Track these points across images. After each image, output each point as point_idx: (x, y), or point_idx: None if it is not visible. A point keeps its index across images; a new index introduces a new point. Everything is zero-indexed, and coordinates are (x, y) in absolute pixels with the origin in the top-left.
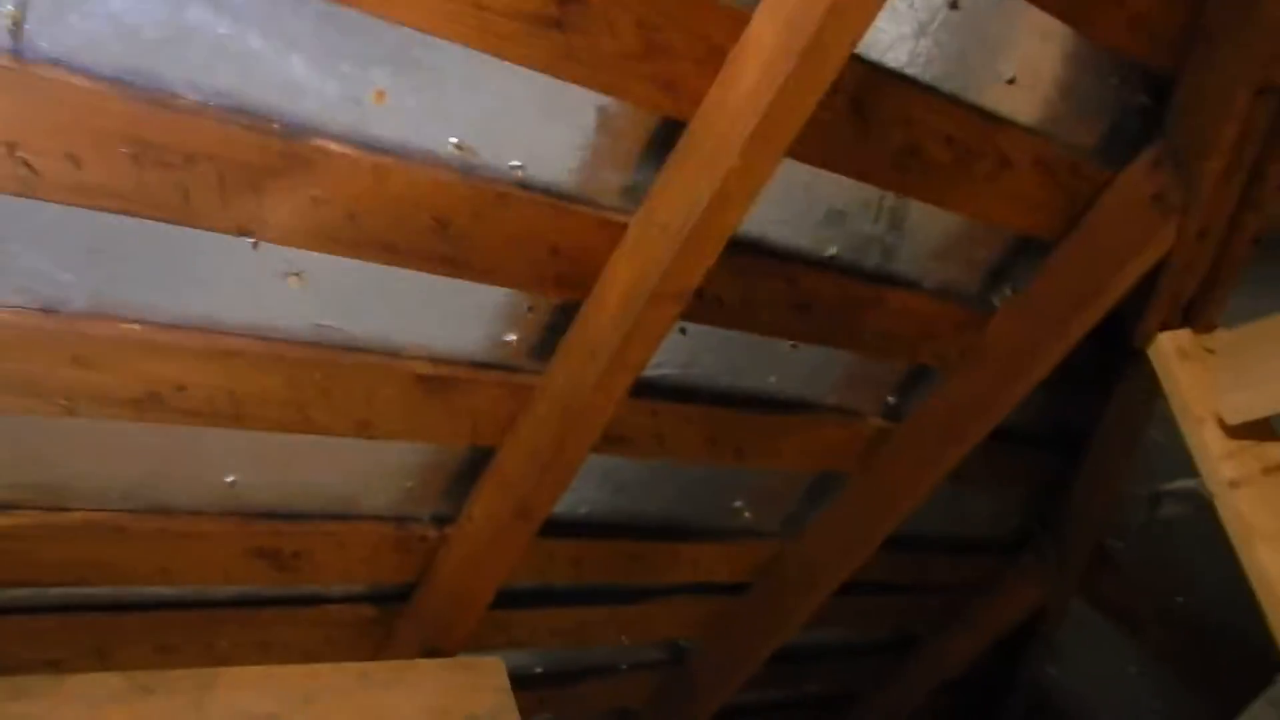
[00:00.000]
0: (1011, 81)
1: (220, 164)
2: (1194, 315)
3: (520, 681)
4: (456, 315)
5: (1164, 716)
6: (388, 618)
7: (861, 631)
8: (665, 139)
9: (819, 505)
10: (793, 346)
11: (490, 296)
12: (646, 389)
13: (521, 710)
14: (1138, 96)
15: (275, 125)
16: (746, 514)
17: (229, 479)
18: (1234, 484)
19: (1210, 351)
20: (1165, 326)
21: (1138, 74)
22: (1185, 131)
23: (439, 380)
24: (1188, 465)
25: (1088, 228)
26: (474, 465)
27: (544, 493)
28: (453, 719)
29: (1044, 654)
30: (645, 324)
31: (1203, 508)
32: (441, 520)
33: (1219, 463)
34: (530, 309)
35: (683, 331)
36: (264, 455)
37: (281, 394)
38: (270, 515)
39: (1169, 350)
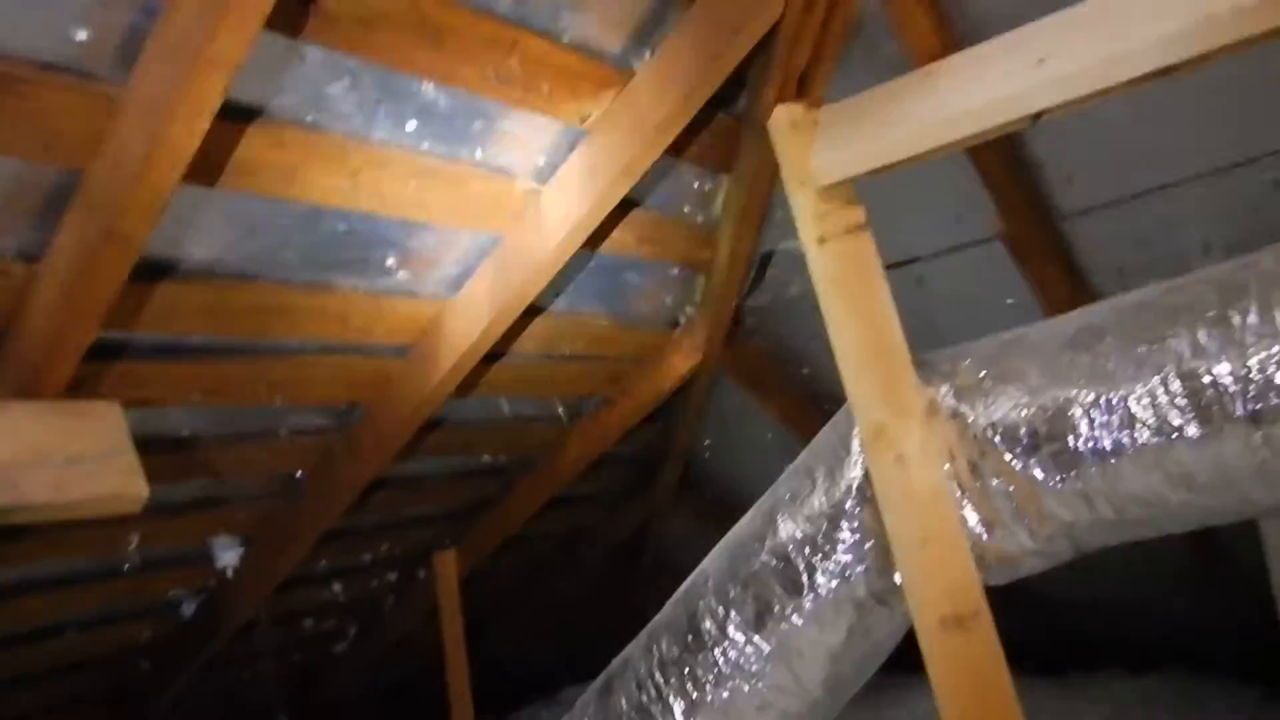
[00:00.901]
0: None
1: None
2: (805, 90)
3: (167, 444)
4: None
5: None
6: None
7: (529, 401)
8: None
9: (476, 265)
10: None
11: None
12: (260, 115)
13: (174, 473)
14: None
15: None
16: (401, 273)
17: None
18: (821, 240)
19: (816, 123)
20: (780, 100)
21: None
22: None
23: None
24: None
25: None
26: (61, 193)
27: (136, 214)
28: (51, 460)
29: (693, 426)
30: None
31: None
32: (29, 257)
33: (811, 222)
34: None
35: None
36: None
37: None
38: None
39: (783, 122)
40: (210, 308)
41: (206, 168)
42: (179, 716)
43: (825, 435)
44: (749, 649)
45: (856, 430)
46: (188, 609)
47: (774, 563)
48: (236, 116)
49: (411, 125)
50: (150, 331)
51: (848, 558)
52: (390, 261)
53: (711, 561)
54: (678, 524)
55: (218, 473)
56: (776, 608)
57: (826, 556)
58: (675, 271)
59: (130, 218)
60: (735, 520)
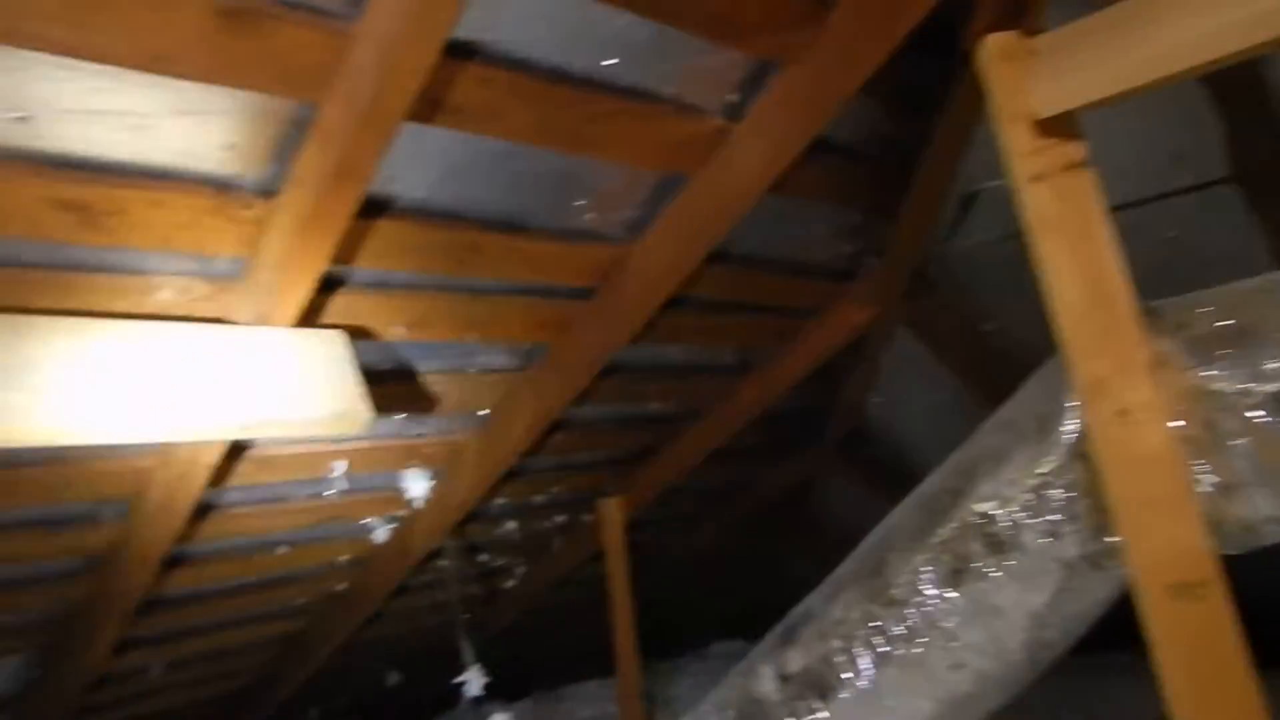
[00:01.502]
0: None
1: None
2: (1020, 18)
3: (372, 377)
4: None
5: None
6: (219, 294)
7: (700, 350)
8: None
9: (660, 208)
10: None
11: None
12: (477, 53)
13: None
14: None
15: None
16: (589, 215)
17: (16, 114)
18: (1035, 179)
19: (1033, 53)
20: (992, 29)
21: None
22: None
23: (241, 14)
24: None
25: None
26: (298, 130)
27: (366, 149)
28: (289, 381)
29: (866, 381)
30: None
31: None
32: (268, 192)
33: (1025, 159)
34: None
35: None
36: (59, 91)
37: (53, 6)
38: (77, 165)
39: (993, 52)
40: (418, 244)
41: (422, 104)
42: (371, 633)
43: (1033, 387)
44: (943, 606)
45: (1070, 383)
46: (380, 535)
47: (973, 519)
48: (452, 53)
49: (608, 61)
50: (367, 266)
51: (1057, 516)
52: (579, 203)
53: (901, 515)
54: (839, 484)
55: (413, 406)
56: (975, 565)
57: (1034, 514)
58: (859, 218)
59: (361, 151)
60: (900, 482)
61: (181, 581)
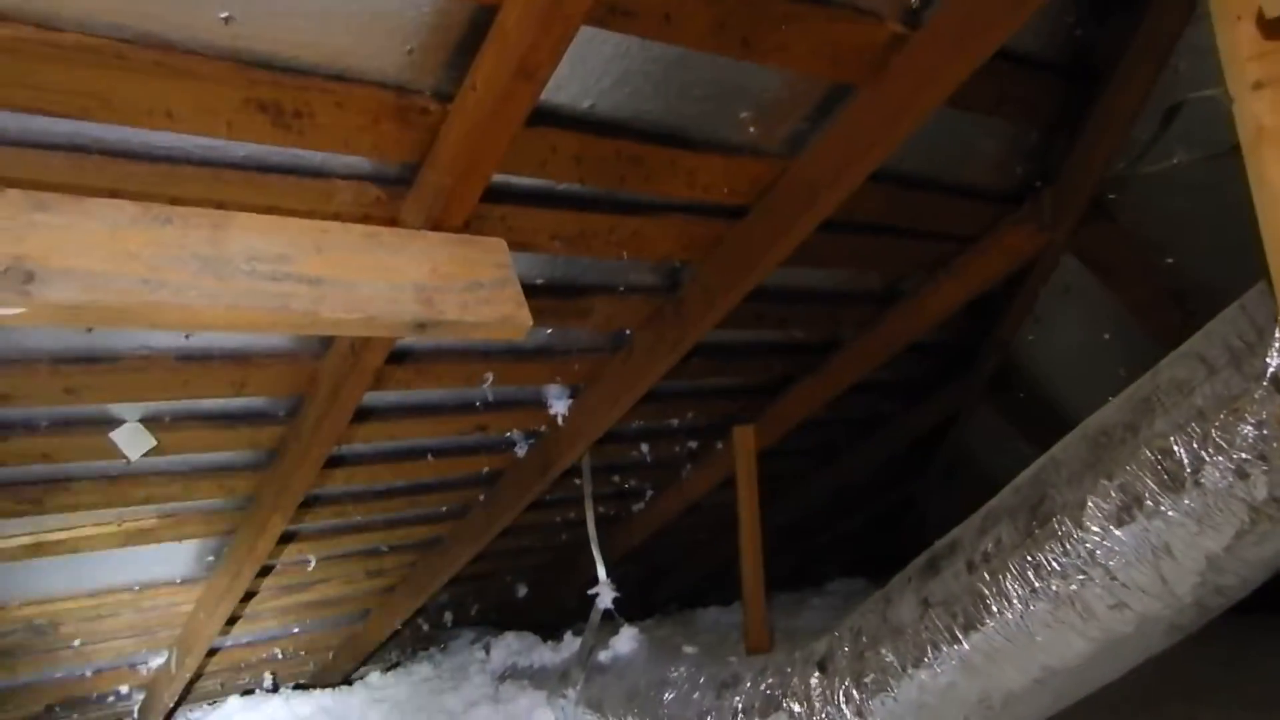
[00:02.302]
0: None
1: None
2: None
3: (525, 290)
4: None
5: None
6: (392, 199)
7: (851, 275)
8: None
9: (825, 124)
10: None
11: None
12: None
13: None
14: None
15: None
16: (752, 128)
17: (223, 15)
18: (1257, 85)
19: None
20: None
21: None
22: None
23: None
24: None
25: None
26: (475, 34)
27: (544, 51)
28: (457, 284)
29: (1021, 315)
30: None
31: (1200, 165)
32: (443, 96)
33: (1246, 64)
34: None
35: None
36: None
37: None
38: (268, 65)
39: None
40: (581, 154)
41: (600, 6)
42: (504, 545)
43: (1228, 319)
44: (1109, 544)
45: (1277, 315)
46: (521, 449)
47: (1148, 454)
48: None
49: None
50: (530, 176)
51: (1246, 455)
52: (744, 114)
53: (1065, 449)
54: (981, 424)
55: (562, 322)
56: (1148, 502)
57: (1220, 451)
58: (1036, 135)
59: (538, 55)
60: (1048, 426)
61: (339, 480)
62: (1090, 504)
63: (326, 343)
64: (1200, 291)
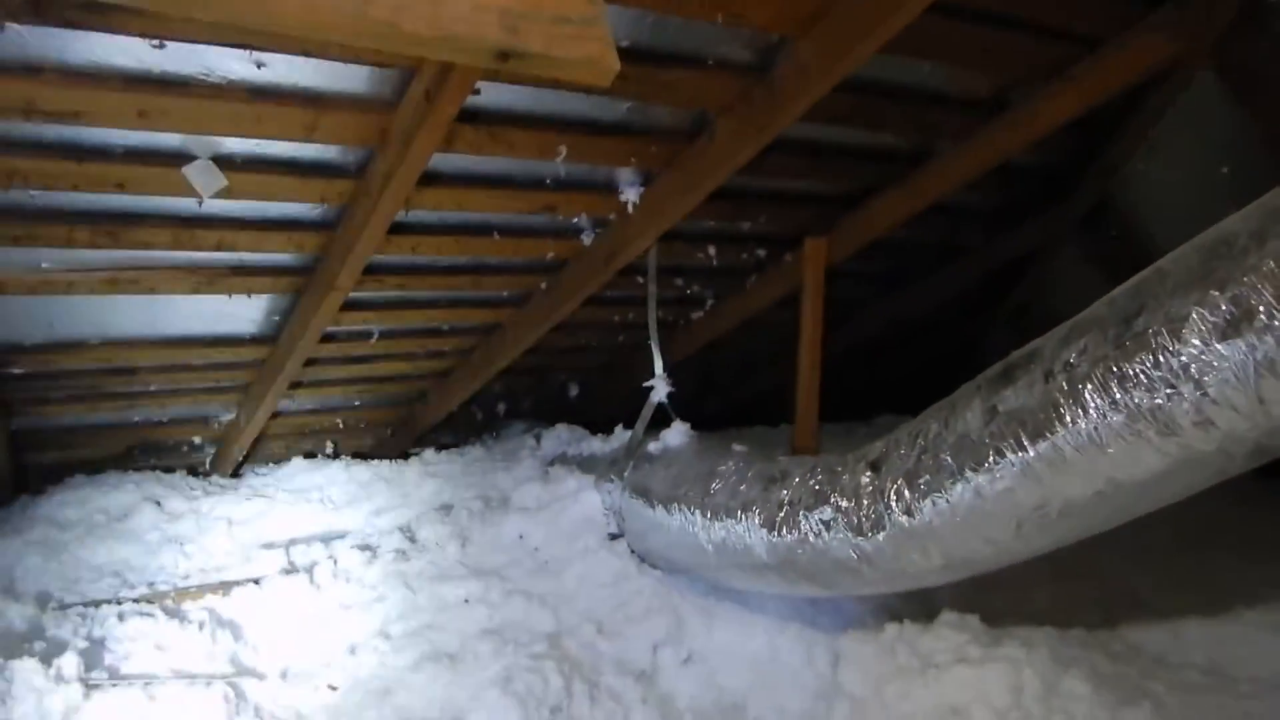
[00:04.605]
0: None
1: None
2: None
3: None
4: None
5: None
6: None
7: (956, 74)
8: None
9: None
10: None
11: None
12: None
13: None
14: None
15: None
16: None
17: None
18: None
19: None
20: None
21: None
22: None
23: None
24: None
25: None
26: None
27: None
28: (544, 13)
29: (1137, 140)
30: None
31: None
32: None
33: None
34: None
35: None
36: None
37: None
38: None
39: None
40: None
41: None
42: (561, 341)
43: None
44: (1206, 357)
45: None
46: (588, 236)
47: (1273, 265)
48: None
49: None
50: None
51: None
52: None
53: (1175, 260)
54: (1065, 265)
55: (644, 93)
56: (1261, 317)
57: None
58: None
59: None
60: (1133, 271)
61: (405, 249)
62: (1194, 316)
63: (399, 90)
64: None
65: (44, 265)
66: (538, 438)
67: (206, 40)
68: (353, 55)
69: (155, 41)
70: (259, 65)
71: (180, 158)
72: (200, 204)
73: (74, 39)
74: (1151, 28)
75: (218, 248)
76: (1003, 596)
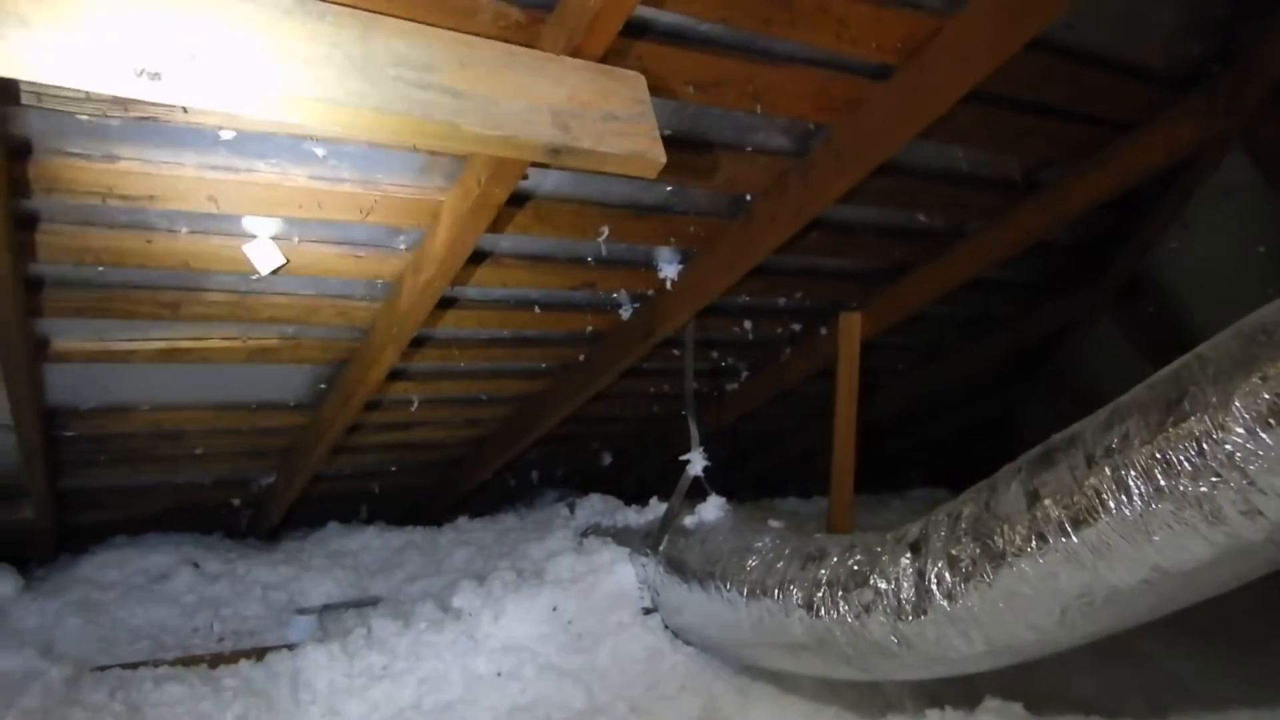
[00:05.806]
0: None
1: None
2: None
3: None
4: None
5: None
6: (531, 23)
7: (989, 158)
8: None
9: None
10: None
11: None
12: None
13: None
14: None
15: None
16: None
17: None
18: None
19: None
20: None
21: None
22: None
23: None
24: None
25: None
26: None
27: None
28: (593, 112)
29: (1169, 219)
30: None
31: None
32: None
33: None
34: None
35: None
36: None
37: None
38: None
39: None
40: None
41: None
42: (597, 410)
43: None
44: (1252, 447)
45: None
46: (626, 311)
47: None
48: None
49: None
50: (674, 10)
51: None
52: None
53: (1214, 347)
54: (1099, 338)
55: (685, 178)
56: None
57: None
58: (1217, 10)
59: None
60: (1173, 346)
61: (449, 322)
62: (1236, 405)
63: (452, 175)
64: None
65: (104, 337)
66: (571, 507)
67: (273, 130)
68: (409, 145)
69: (229, 134)
70: (321, 155)
71: (242, 236)
72: (258, 278)
73: (154, 130)
74: (1182, 111)
75: (271, 320)
76: (1046, 682)
